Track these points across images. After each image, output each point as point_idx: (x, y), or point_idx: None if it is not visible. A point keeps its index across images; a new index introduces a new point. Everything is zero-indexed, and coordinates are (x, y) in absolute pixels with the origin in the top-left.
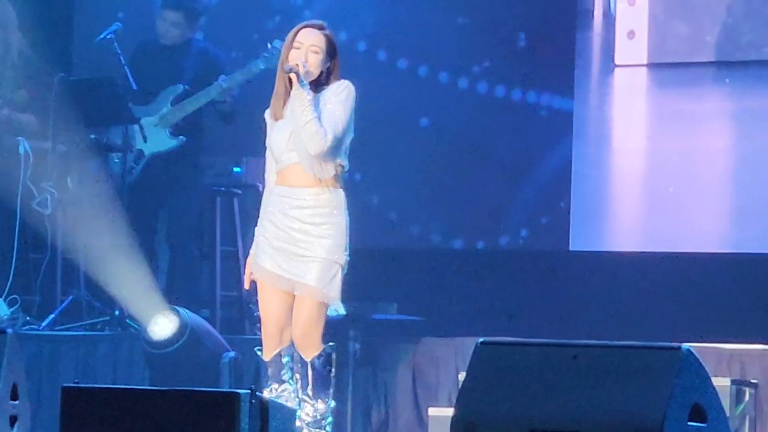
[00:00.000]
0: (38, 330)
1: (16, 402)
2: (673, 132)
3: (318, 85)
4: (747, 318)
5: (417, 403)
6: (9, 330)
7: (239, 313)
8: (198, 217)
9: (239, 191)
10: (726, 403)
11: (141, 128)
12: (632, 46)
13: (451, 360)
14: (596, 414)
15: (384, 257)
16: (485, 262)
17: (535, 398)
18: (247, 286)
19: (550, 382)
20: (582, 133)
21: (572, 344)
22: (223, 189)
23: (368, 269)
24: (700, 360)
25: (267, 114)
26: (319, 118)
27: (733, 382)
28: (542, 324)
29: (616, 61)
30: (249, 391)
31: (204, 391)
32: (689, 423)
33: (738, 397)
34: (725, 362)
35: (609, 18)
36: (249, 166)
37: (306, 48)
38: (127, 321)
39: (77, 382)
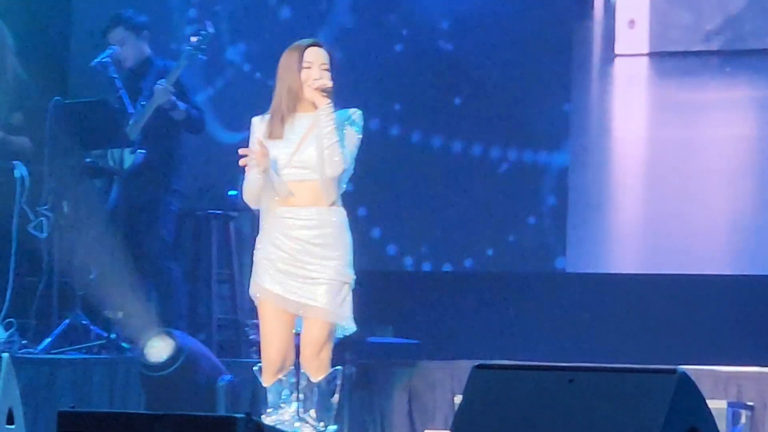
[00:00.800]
0: (34, 354)
1: (12, 426)
2: (674, 122)
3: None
4: (743, 340)
5: (413, 426)
6: (5, 354)
7: (236, 336)
8: (175, 238)
9: (235, 214)
10: (722, 425)
11: (121, 152)
12: (633, 35)
13: (447, 383)
14: None
15: (379, 280)
16: (479, 285)
17: (531, 422)
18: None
19: (546, 406)
20: (582, 126)
21: (568, 367)
22: (219, 212)
23: (363, 292)
24: (696, 383)
25: (257, 125)
26: (310, 139)
27: (729, 404)
28: (538, 345)
29: (617, 51)
30: (245, 415)
31: (200, 416)
32: None
33: (734, 419)
34: (722, 385)
35: (609, 6)
36: None
37: (317, 66)
38: (123, 344)
39: (73, 407)
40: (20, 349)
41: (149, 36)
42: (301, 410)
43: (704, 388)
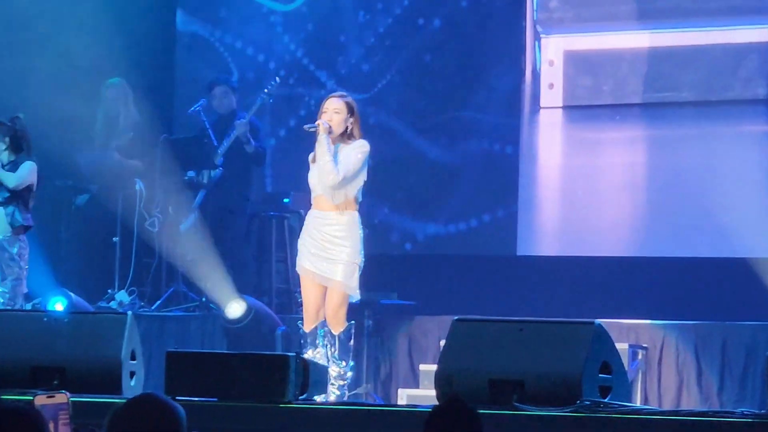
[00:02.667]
0: (149, 311)
1: (134, 362)
2: (581, 154)
3: (345, 136)
4: (639, 302)
5: (412, 361)
6: (129, 312)
7: (288, 299)
8: (247, 233)
9: (288, 215)
10: (625, 360)
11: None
12: (552, 94)
13: (435, 331)
14: (536, 368)
15: (389, 261)
16: (461, 264)
17: (493, 357)
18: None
19: (504, 347)
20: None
21: (519, 320)
22: (277, 214)
23: (377, 269)
24: (607, 331)
25: (310, 158)
26: (335, 161)
27: (630, 346)
28: (501, 306)
29: (541, 105)
30: (295, 354)
31: (265, 354)
32: (600, 375)
33: (633, 356)
34: (624, 332)
35: (536, 74)
36: (295, 198)
37: (330, 111)
38: (211, 305)
39: (177, 348)
40: (139, 309)
41: (236, 95)
42: (329, 352)
43: (613, 334)
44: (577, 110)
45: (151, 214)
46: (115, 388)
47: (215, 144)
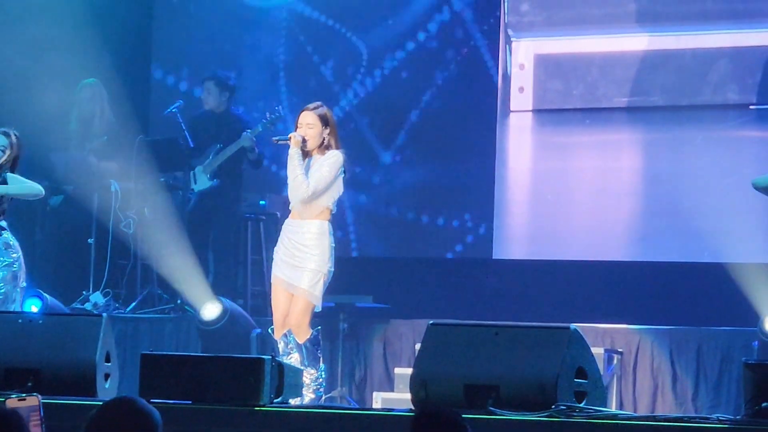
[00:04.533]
0: (124, 314)
1: (109, 364)
2: (551, 157)
3: (322, 147)
4: (615, 307)
5: (387, 364)
6: (104, 314)
7: (263, 301)
8: (234, 235)
9: (264, 217)
10: (601, 365)
11: (193, 174)
12: (522, 97)
13: (410, 335)
14: (511, 372)
15: (365, 264)
16: (435, 268)
17: (468, 362)
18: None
19: (479, 351)
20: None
21: (494, 325)
22: (253, 216)
23: (353, 273)
24: (583, 335)
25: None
26: (305, 174)
27: (605, 350)
28: (476, 310)
29: (511, 108)
30: (270, 357)
31: (240, 357)
32: (575, 380)
33: (609, 361)
34: (600, 337)
35: (506, 78)
36: (271, 200)
37: (304, 126)
38: (186, 307)
39: (152, 350)
40: (114, 311)
41: (230, 94)
42: (300, 359)
43: (588, 338)
44: (547, 114)
45: (126, 215)
46: (90, 390)
47: (192, 146)
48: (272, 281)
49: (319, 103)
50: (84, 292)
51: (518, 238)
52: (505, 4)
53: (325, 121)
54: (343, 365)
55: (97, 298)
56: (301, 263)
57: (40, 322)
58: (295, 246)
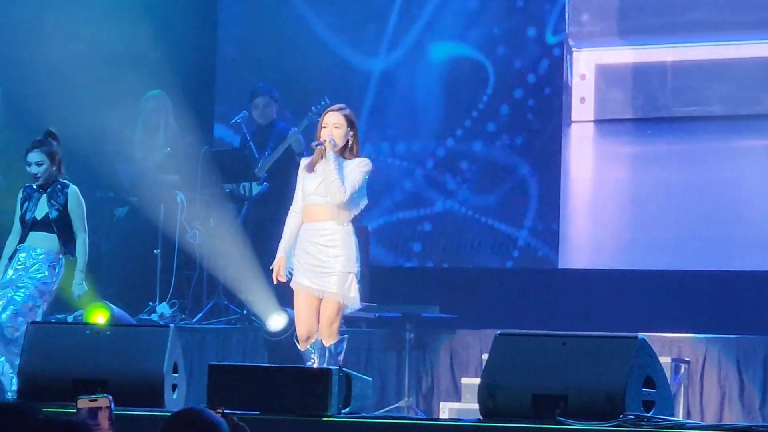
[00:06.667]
0: (190, 324)
1: (176, 375)
2: (612, 167)
3: (345, 149)
4: (681, 316)
5: (453, 374)
6: (171, 325)
7: None
8: None
9: None
10: (668, 374)
11: (246, 183)
12: (583, 108)
13: (477, 345)
14: (579, 382)
15: (431, 275)
16: (501, 278)
17: (536, 371)
18: (275, 281)
19: (547, 361)
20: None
21: (562, 334)
22: None
23: (420, 283)
24: (651, 345)
25: (301, 168)
26: (342, 178)
27: (672, 360)
28: (542, 320)
29: (573, 118)
30: (338, 367)
31: (307, 368)
32: (643, 389)
33: (676, 370)
34: (667, 346)
35: (567, 88)
36: None
37: (330, 126)
38: (252, 318)
39: (219, 361)
40: (180, 321)
41: (277, 106)
42: (321, 362)
43: (655, 348)
44: (608, 124)
45: (192, 226)
46: (157, 401)
47: (256, 156)
48: (295, 288)
49: (342, 105)
50: (150, 303)
51: (583, 247)
52: (566, 14)
53: (350, 122)
54: (410, 375)
55: (163, 308)
56: (328, 267)
57: (108, 333)
58: (320, 251)
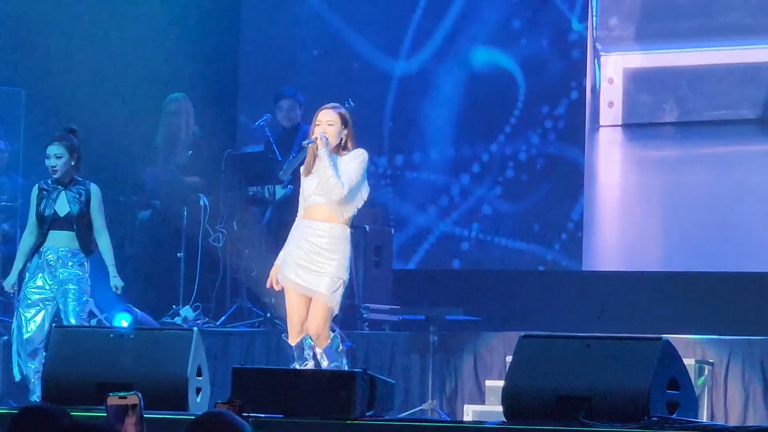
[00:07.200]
0: (214, 327)
1: (200, 378)
2: (641, 171)
3: (339, 147)
4: (705, 318)
5: (477, 377)
6: (195, 328)
7: (353, 314)
8: None
9: (351, 230)
10: (692, 376)
11: (271, 186)
12: (611, 112)
13: (501, 347)
14: (603, 384)
15: (454, 277)
16: (525, 280)
17: (561, 374)
18: (267, 286)
19: (571, 363)
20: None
21: (586, 336)
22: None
23: (444, 286)
24: (675, 346)
25: (301, 171)
26: (338, 174)
27: (696, 361)
28: (565, 322)
29: (601, 123)
30: (362, 370)
31: (331, 371)
32: (667, 391)
33: (700, 372)
34: (691, 348)
35: (595, 92)
36: None
37: (324, 123)
38: (276, 321)
39: (243, 365)
40: (204, 324)
41: (302, 109)
42: (323, 364)
43: (679, 349)
44: (637, 128)
45: (215, 229)
46: (182, 404)
47: (279, 159)
48: (284, 284)
49: (336, 103)
50: (174, 306)
51: (608, 250)
52: (594, 18)
53: (344, 120)
54: (434, 378)
55: (186, 312)
56: (321, 267)
57: (132, 336)
58: (314, 249)
